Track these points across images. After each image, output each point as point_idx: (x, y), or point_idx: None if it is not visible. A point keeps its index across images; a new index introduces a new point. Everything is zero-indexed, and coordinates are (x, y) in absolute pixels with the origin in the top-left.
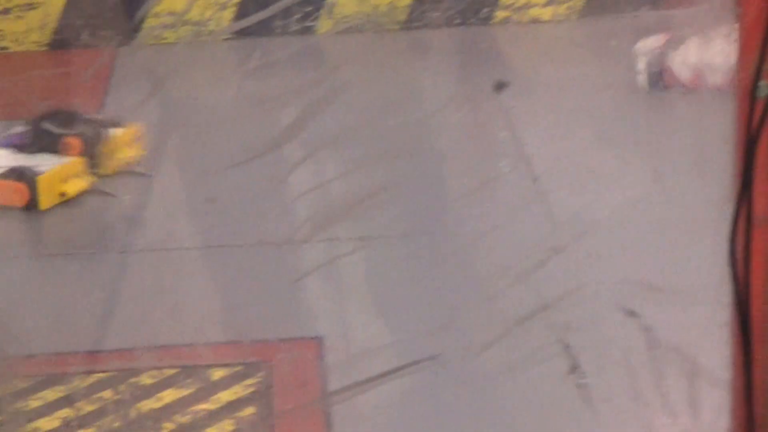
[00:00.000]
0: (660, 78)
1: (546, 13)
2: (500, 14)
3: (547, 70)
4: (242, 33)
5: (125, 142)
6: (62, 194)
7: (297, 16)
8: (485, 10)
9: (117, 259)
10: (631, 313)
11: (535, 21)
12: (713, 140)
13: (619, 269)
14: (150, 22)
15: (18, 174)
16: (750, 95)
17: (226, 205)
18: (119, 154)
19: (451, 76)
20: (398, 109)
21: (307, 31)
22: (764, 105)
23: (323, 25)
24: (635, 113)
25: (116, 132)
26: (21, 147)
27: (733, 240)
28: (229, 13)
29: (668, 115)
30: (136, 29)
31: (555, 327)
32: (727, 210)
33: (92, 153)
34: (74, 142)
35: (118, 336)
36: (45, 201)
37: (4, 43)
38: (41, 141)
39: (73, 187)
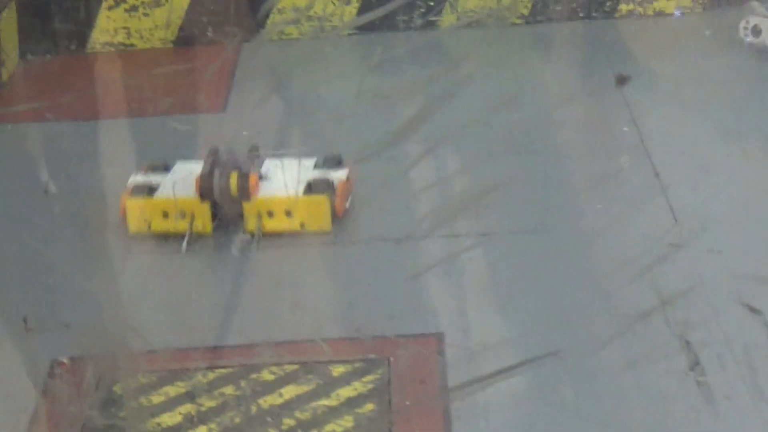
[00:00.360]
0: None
1: (670, 5)
2: (624, 7)
3: (670, 64)
4: (365, 28)
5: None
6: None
7: (420, 10)
8: (609, 3)
9: (238, 256)
10: (753, 310)
11: (660, 13)
12: None
13: (740, 265)
14: (274, 18)
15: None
16: None
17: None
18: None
19: (573, 71)
20: (520, 104)
21: (430, 25)
22: None
23: (446, 19)
24: (759, 106)
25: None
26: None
27: None
28: (352, 9)
29: None
30: (260, 25)
31: (675, 323)
32: None
33: None
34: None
35: (239, 332)
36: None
37: (131, 41)
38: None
39: None
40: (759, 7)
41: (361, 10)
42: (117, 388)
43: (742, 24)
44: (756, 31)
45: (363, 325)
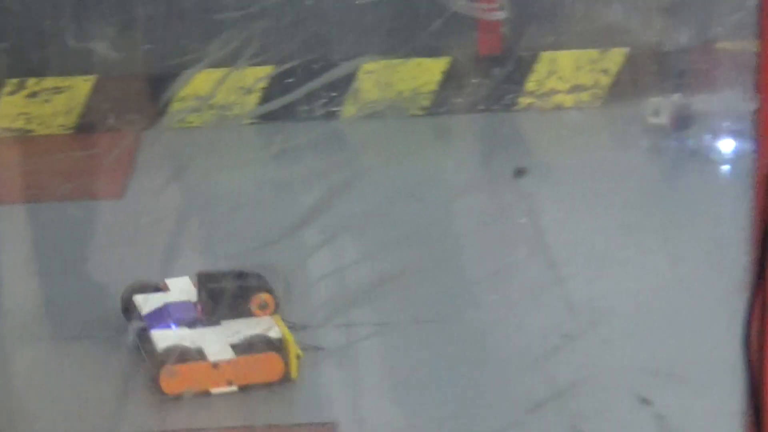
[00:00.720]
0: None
1: (569, 99)
2: (524, 101)
3: (568, 157)
4: (267, 117)
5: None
6: (297, 356)
7: (322, 101)
8: (509, 96)
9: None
10: (644, 401)
11: (559, 107)
12: (730, 227)
13: (633, 357)
14: (175, 106)
15: (264, 343)
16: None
17: None
18: None
19: (472, 162)
20: (419, 195)
21: (332, 116)
22: None
23: (347, 110)
24: (654, 201)
25: None
26: (193, 322)
27: (747, 328)
28: (254, 98)
29: (687, 204)
30: (161, 113)
31: (568, 414)
32: (742, 297)
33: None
34: (269, 299)
35: (131, 421)
36: (294, 368)
37: (30, 126)
38: (223, 306)
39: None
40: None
41: (263, 100)
42: None
43: (646, 105)
44: (657, 112)
45: (257, 413)
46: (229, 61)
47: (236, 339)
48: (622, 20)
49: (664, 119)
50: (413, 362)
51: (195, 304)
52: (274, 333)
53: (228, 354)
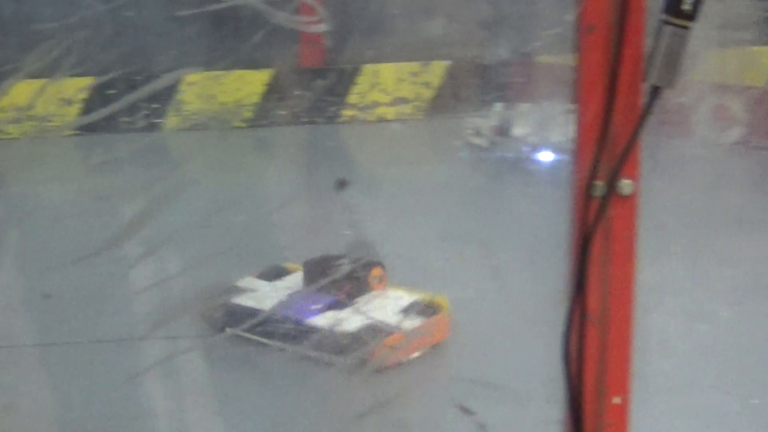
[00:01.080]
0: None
1: (391, 112)
2: (347, 113)
3: (390, 169)
4: (87, 129)
5: None
6: None
7: (144, 112)
8: (332, 108)
9: None
10: (466, 411)
11: (381, 119)
12: (550, 238)
13: (455, 367)
14: None
15: (428, 307)
16: (585, 195)
17: (63, 301)
18: None
19: (294, 174)
20: (242, 207)
21: (154, 127)
22: (598, 205)
23: (170, 122)
24: (474, 212)
25: None
26: (340, 304)
27: (567, 337)
28: (74, 109)
29: (508, 215)
30: None
31: (392, 424)
32: (562, 308)
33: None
34: (382, 272)
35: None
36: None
37: None
38: (352, 287)
39: None
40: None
41: (84, 111)
42: None
43: (467, 124)
44: (478, 131)
45: (81, 429)
46: (49, 71)
47: (398, 309)
48: (443, 34)
49: (484, 135)
50: (235, 375)
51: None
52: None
53: (407, 324)
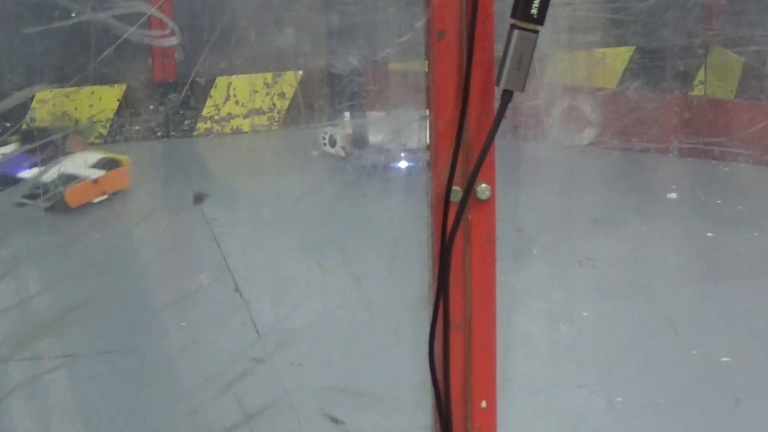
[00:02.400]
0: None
1: (247, 123)
2: (202, 126)
3: (248, 181)
4: None
5: None
6: None
7: None
8: (188, 122)
9: None
10: (335, 421)
11: (237, 132)
12: (410, 244)
13: (322, 377)
14: None
15: (112, 162)
16: (444, 200)
17: None
18: None
19: (152, 189)
20: (99, 223)
21: (2, 144)
22: (457, 210)
23: (23, 139)
24: (332, 221)
25: None
26: (34, 163)
27: (431, 343)
28: None
29: (367, 223)
30: None
31: None
32: (426, 313)
33: None
34: (80, 139)
35: None
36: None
37: None
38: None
39: None
40: (353, 118)
41: None
42: None
43: (321, 134)
44: (332, 141)
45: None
46: None
47: (90, 164)
48: (294, 44)
49: (340, 146)
50: (103, 393)
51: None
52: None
53: (96, 174)
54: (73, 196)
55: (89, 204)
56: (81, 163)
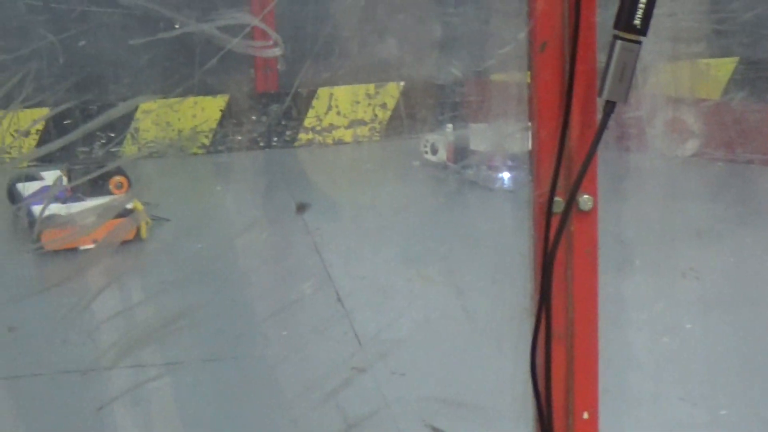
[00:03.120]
0: (462, 154)
1: (348, 134)
2: (304, 136)
3: (350, 191)
4: (45, 160)
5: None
6: (147, 223)
7: (101, 141)
8: (289, 132)
9: None
10: (436, 430)
11: (339, 142)
12: (512, 256)
13: (423, 387)
14: None
15: (119, 211)
16: (546, 211)
17: (27, 333)
18: None
19: (254, 199)
20: (202, 233)
21: (111, 156)
22: (559, 221)
23: (127, 150)
24: (434, 231)
25: None
26: (64, 199)
27: (533, 354)
28: (31, 140)
29: (469, 234)
30: None
31: None
32: (527, 325)
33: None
34: (123, 180)
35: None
36: (143, 230)
37: None
38: (87, 187)
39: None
40: (457, 128)
41: (41, 142)
42: None
43: (423, 142)
44: (434, 149)
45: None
46: (3, 104)
47: (98, 209)
48: (397, 55)
49: (441, 154)
50: (205, 401)
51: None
52: (129, 205)
53: (92, 219)
54: (48, 237)
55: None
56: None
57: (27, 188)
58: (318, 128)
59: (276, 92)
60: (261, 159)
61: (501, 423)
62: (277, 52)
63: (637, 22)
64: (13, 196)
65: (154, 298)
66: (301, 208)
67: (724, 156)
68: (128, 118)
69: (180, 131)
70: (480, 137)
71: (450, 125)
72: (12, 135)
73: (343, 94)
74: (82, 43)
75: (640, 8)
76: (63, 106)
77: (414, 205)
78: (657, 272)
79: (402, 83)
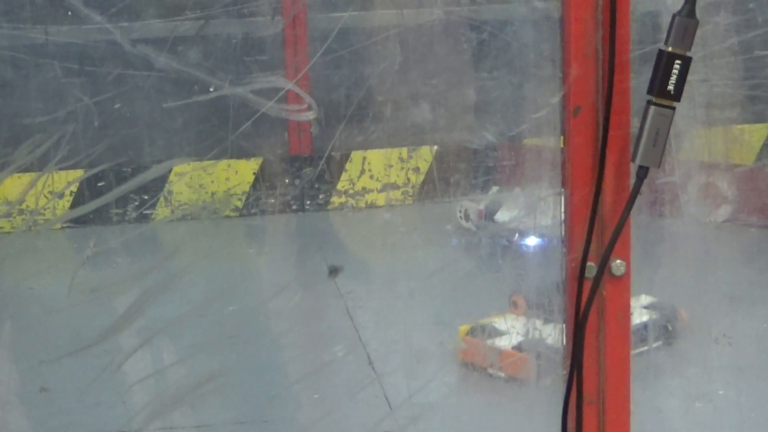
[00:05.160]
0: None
1: (381, 198)
2: (337, 200)
3: (382, 254)
4: (78, 221)
5: None
6: None
7: (134, 203)
8: (322, 195)
9: None
10: None
11: (372, 206)
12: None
13: None
14: None
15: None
16: (578, 276)
17: (59, 395)
18: None
19: (286, 261)
20: (234, 295)
21: (145, 218)
22: (591, 286)
23: (160, 212)
24: (467, 295)
25: None
26: None
27: (564, 419)
28: (65, 202)
29: (500, 296)
30: None
31: None
32: (559, 389)
33: None
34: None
35: None
36: None
37: None
38: None
39: None
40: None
41: (74, 204)
42: None
43: (458, 208)
44: (467, 216)
45: None
46: (38, 165)
47: None
48: (430, 119)
49: (474, 219)
50: None
51: None
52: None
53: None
54: None
55: None
56: None
57: None
58: (351, 191)
59: (309, 155)
60: (294, 222)
61: None
62: (310, 115)
63: (670, 87)
64: None
65: (185, 360)
66: (334, 271)
67: (757, 222)
68: (162, 180)
69: (213, 194)
70: (512, 201)
71: (493, 188)
72: (46, 196)
73: (376, 157)
74: (117, 105)
75: (674, 74)
76: (97, 168)
77: (446, 269)
78: (689, 337)
79: (435, 147)
